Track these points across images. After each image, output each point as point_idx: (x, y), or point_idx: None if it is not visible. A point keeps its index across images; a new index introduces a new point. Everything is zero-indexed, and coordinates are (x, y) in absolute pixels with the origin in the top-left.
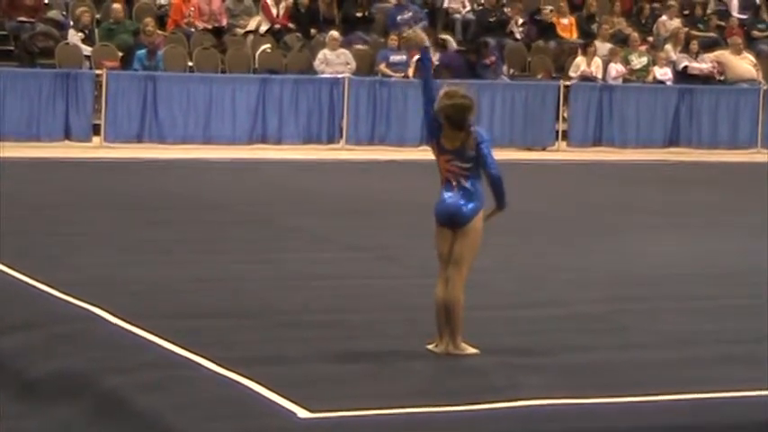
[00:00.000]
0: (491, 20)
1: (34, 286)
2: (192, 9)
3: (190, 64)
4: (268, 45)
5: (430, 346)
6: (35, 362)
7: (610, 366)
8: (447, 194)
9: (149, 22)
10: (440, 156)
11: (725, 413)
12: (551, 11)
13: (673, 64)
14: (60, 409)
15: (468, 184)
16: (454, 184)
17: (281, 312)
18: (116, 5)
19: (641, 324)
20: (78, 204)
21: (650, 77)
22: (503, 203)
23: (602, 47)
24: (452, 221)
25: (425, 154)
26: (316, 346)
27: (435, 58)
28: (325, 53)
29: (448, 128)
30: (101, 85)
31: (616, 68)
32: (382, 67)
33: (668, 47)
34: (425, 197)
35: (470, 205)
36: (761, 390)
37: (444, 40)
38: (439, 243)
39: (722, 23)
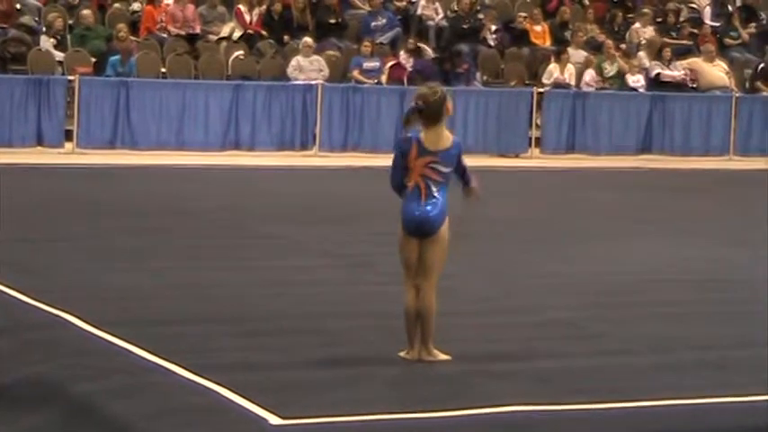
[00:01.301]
0: (464, 27)
1: (4, 292)
2: (165, 15)
3: (163, 70)
4: (241, 51)
5: (402, 354)
6: (5, 368)
7: (584, 373)
8: (413, 204)
9: (122, 27)
10: (418, 158)
11: (700, 419)
12: (525, 18)
13: (645, 71)
14: (31, 416)
15: (437, 193)
16: (424, 192)
17: (254, 319)
18: (86, 11)
19: (615, 330)
20: (50, 210)
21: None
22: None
23: (576, 54)
24: (421, 231)
25: None
26: (289, 352)
27: (409, 64)
28: (298, 60)
29: (426, 124)
30: (73, 91)
31: (591, 74)
32: (355, 73)
33: (641, 54)
34: (399, 204)
35: (438, 212)
36: (735, 396)
37: (419, 47)
38: (405, 251)
39: (695, 31)
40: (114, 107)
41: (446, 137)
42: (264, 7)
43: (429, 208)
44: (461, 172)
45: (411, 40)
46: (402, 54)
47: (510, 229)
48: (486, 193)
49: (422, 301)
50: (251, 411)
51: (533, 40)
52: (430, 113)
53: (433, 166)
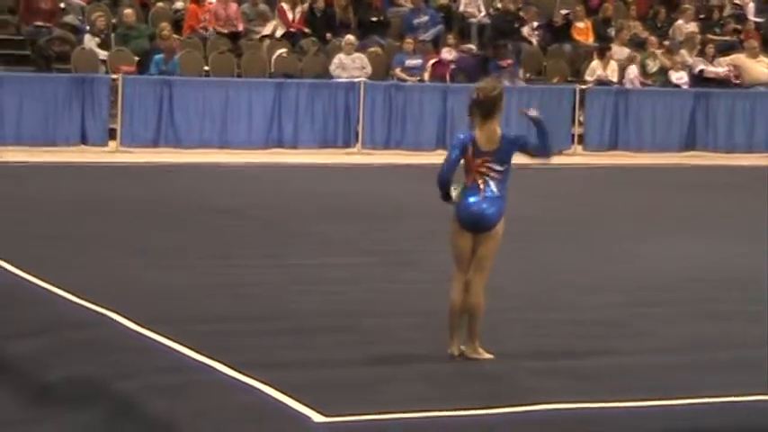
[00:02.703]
0: (507, 24)
1: (49, 290)
2: (208, 14)
3: (206, 68)
4: (284, 49)
5: (450, 351)
6: (49, 367)
7: (624, 370)
8: (472, 199)
9: (165, 26)
10: (474, 159)
11: (739, 418)
12: (567, 14)
13: (689, 68)
14: (74, 415)
15: (495, 189)
16: (482, 187)
17: (295, 317)
18: (128, 11)
19: (656, 328)
20: (93, 208)
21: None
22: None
23: (619, 51)
24: (477, 226)
25: (441, 158)
26: (331, 350)
27: (452, 61)
28: (340, 57)
29: (480, 119)
30: (117, 90)
31: (634, 72)
32: (398, 71)
33: (684, 51)
34: (441, 202)
35: (495, 209)
36: None
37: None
38: (458, 246)
39: (738, 27)
40: (157, 106)
41: (498, 134)
42: (307, 5)
43: (486, 204)
44: (533, 148)
45: (451, 37)
46: (444, 50)
47: (552, 226)
48: (528, 190)
49: (472, 297)
50: (294, 409)
51: (576, 36)
52: (486, 107)
53: (488, 165)
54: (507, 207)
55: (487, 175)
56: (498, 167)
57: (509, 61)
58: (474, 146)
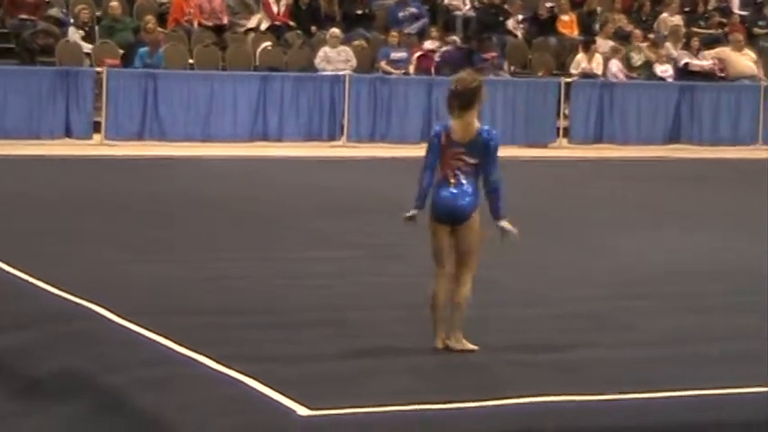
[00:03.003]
0: (492, 17)
1: (34, 284)
2: (193, 7)
3: (190, 61)
4: (269, 43)
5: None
6: (36, 360)
7: (608, 363)
8: (444, 191)
9: (150, 19)
10: (448, 150)
11: (726, 410)
12: (552, 7)
13: (674, 61)
14: (61, 408)
15: (466, 182)
16: (453, 180)
17: (281, 311)
18: (113, 3)
19: (642, 322)
20: (78, 202)
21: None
22: (498, 212)
23: (604, 44)
24: (452, 217)
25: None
26: (317, 344)
27: (436, 54)
28: (325, 50)
29: (457, 111)
30: (101, 83)
31: (617, 65)
32: (383, 64)
33: (669, 44)
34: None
35: (468, 200)
36: (757, 387)
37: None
38: (437, 240)
39: (723, 20)
40: (142, 99)
41: (474, 127)
42: None
43: (459, 195)
44: (488, 169)
45: (435, 30)
46: (426, 42)
47: (536, 219)
48: (513, 183)
49: (460, 292)
50: (279, 402)
51: (561, 29)
52: (464, 98)
53: (461, 157)
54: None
55: (459, 168)
56: (471, 160)
57: (493, 54)
58: (448, 137)
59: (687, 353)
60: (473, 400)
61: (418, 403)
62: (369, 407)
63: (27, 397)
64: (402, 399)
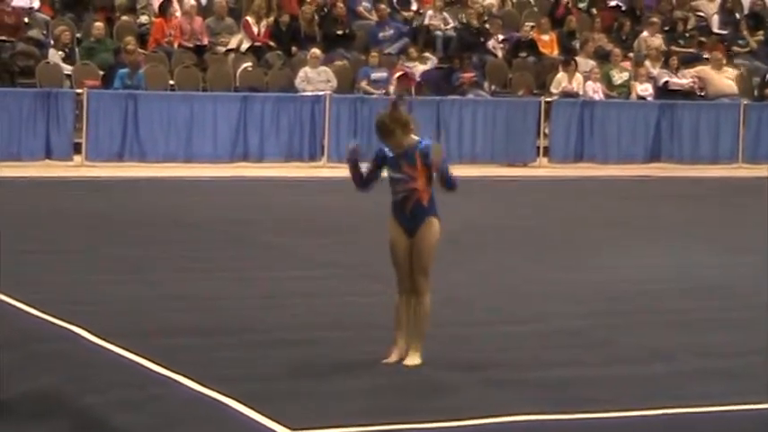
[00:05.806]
0: (472, 36)
1: (11, 305)
2: (173, 28)
3: (171, 82)
4: (249, 63)
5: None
6: (10, 381)
7: (591, 381)
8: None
9: (130, 40)
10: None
11: (705, 428)
12: (532, 27)
13: (653, 80)
14: (37, 429)
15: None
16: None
17: (258, 330)
18: (98, 23)
19: (621, 339)
20: (58, 223)
21: (633, 95)
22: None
23: (584, 63)
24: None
25: None
26: (295, 363)
27: (418, 74)
28: (306, 71)
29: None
30: (82, 104)
31: (593, 87)
32: (363, 84)
33: (648, 63)
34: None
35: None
36: (740, 404)
37: (423, 56)
38: (395, 246)
39: (703, 39)
40: (122, 120)
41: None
42: (272, 19)
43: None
44: (441, 176)
45: (413, 49)
46: (404, 63)
47: (517, 237)
48: (494, 202)
49: (423, 303)
50: (259, 423)
51: (541, 49)
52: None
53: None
54: (471, 217)
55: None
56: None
57: (470, 74)
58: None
59: (668, 370)
60: (454, 419)
61: (398, 423)
62: (348, 426)
63: (3, 418)
64: (382, 418)
